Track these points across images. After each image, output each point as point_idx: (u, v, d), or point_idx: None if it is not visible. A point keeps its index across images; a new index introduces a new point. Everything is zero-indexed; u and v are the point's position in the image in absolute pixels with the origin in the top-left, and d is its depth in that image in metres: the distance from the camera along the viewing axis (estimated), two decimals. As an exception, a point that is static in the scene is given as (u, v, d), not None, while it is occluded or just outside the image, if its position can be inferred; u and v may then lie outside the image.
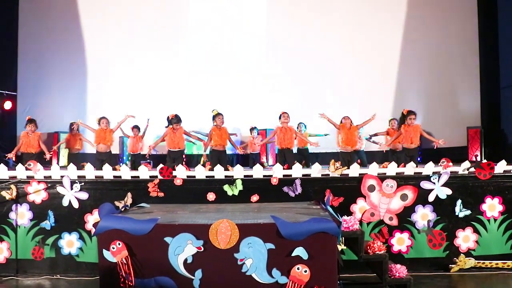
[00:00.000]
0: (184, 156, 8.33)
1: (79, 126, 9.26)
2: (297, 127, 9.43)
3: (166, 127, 8.17)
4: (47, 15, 11.64)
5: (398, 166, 5.93)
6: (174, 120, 7.83)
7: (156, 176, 5.70)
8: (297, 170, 5.78)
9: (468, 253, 5.50)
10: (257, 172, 5.80)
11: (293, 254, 3.83)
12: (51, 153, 8.39)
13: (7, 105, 11.29)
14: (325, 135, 9.91)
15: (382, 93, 10.89)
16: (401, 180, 5.57)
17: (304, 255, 3.82)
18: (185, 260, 3.88)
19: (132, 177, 5.86)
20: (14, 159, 8.14)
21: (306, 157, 9.34)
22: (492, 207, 5.55)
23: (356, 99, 10.53)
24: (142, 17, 11.29)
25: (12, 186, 5.67)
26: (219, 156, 7.79)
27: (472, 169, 5.67)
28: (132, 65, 11.22)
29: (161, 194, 5.60)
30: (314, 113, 10.04)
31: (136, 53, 11.20)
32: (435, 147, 7.43)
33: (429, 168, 5.73)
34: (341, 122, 8.32)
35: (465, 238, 5.53)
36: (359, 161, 8.99)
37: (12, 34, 11.69)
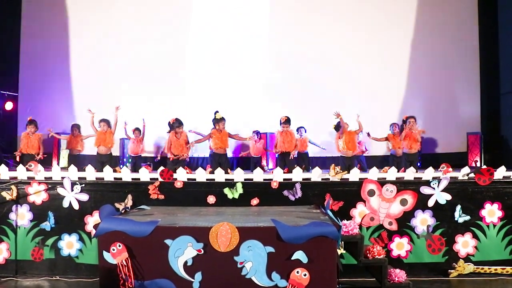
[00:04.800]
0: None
1: (80, 127, 9.29)
2: (297, 131, 9.45)
3: (168, 132, 8.16)
4: (50, 17, 11.67)
5: (398, 171, 5.94)
6: (176, 124, 7.83)
7: (157, 179, 5.71)
8: (297, 174, 5.79)
9: (467, 259, 5.50)
10: (258, 175, 5.80)
11: (292, 258, 3.84)
12: (45, 155, 8.46)
13: (8, 105, 11.31)
14: (323, 149, 9.97)
15: (383, 99, 10.90)
16: (401, 185, 5.58)
17: (304, 259, 3.83)
18: (185, 262, 3.89)
19: (132, 179, 5.86)
20: (18, 159, 8.20)
21: (306, 161, 9.35)
22: (492, 212, 5.56)
23: (358, 104, 10.52)
24: (144, 20, 11.31)
25: (13, 187, 5.67)
26: (219, 159, 7.80)
27: (472, 175, 5.68)
28: (134, 68, 11.24)
29: (162, 197, 5.60)
30: (316, 117, 10.11)
31: (138, 55, 11.22)
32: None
33: (429, 173, 5.75)
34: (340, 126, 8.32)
35: (464, 244, 5.54)
36: (359, 165, 9.02)
37: (15, 36, 11.72)
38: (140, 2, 11.45)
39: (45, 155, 8.42)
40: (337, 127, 8.36)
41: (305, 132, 9.66)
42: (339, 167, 5.90)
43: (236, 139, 8.50)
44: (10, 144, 10.84)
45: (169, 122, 8.10)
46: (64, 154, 10.42)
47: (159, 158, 7.71)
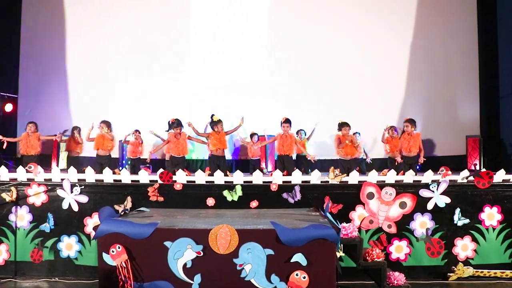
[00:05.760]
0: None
1: (80, 130, 9.31)
2: (297, 134, 9.46)
3: (167, 131, 8.19)
4: (49, 19, 11.71)
5: (397, 174, 5.95)
6: (174, 125, 7.86)
7: (156, 181, 5.71)
8: (297, 177, 5.78)
9: (466, 262, 5.50)
10: (257, 178, 5.80)
11: (292, 260, 3.84)
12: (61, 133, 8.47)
13: (8, 107, 11.33)
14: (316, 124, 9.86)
15: (382, 102, 10.92)
16: (400, 188, 5.58)
17: (303, 261, 3.84)
18: (185, 264, 3.90)
19: (132, 181, 5.86)
20: (5, 146, 8.24)
21: (305, 164, 9.35)
22: (491, 216, 5.56)
23: (357, 108, 10.56)
24: (142, 23, 11.34)
25: (13, 188, 5.67)
26: (218, 162, 7.84)
27: (471, 178, 5.68)
28: (133, 70, 11.27)
29: (161, 199, 5.61)
30: (315, 120, 10.10)
31: (136, 58, 11.25)
32: (418, 162, 7.78)
33: (428, 176, 5.75)
34: (340, 130, 8.27)
35: (463, 247, 5.54)
36: (358, 168, 9.02)
37: (15, 38, 11.77)
38: (139, 5, 11.47)
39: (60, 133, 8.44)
40: (341, 126, 8.21)
41: (305, 134, 9.66)
42: (338, 170, 5.91)
43: (232, 132, 8.48)
44: (10, 146, 10.84)
45: (169, 122, 8.15)
46: (64, 156, 10.42)
47: (148, 160, 7.82)
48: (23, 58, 11.76)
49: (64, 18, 11.71)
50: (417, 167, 8.11)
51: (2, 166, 6.06)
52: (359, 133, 9.74)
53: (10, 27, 11.74)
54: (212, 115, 8.08)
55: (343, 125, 8.12)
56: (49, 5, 11.76)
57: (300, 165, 9.13)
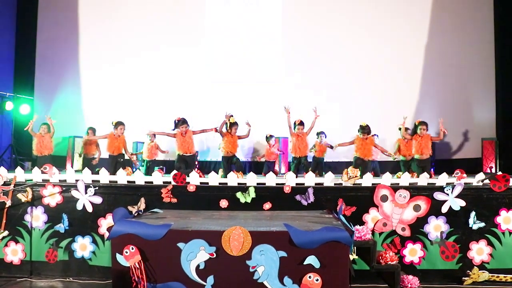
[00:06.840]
0: (197, 161, 8.41)
1: (95, 131, 9.40)
2: (318, 137, 9.46)
3: (173, 129, 8.26)
4: (65, 21, 11.88)
5: (411, 177, 5.90)
6: (180, 123, 7.95)
7: (170, 182, 5.74)
8: (310, 179, 5.77)
9: (481, 266, 5.42)
10: (270, 180, 5.81)
11: (305, 263, 3.83)
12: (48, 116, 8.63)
13: (24, 109, 11.48)
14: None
15: (397, 104, 10.83)
16: (414, 190, 5.53)
17: (316, 264, 3.82)
18: (198, 266, 3.90)
19: (145, 182, 5.90)
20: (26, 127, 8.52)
21: (320, 167, 9.33)
22: (507, 220, 5.48)
23: (371, 109, 10.50)
24: (155, 24, 11.45)
25: (28, 189, 5.75)
26: (229, 161, 7.95)
27: (487, 181, 5.61)
28: (150, 72, 11.37)
29: (174, 200, 5.63)
30: (329, 121, 10.06)
31: (149, 59, 11.36)
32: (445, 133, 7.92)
33: (442, 179, 5.69)
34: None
35: (478, 251, 5.46)
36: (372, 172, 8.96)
37: (31, 40, 11.96)
38: (152, 7, 11.56)
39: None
40: (366, 130, 8.21)
41: (325, 137, 9.58)
42: (352, 167, 5.87)
43: (244, 137, 8.51)
44: (26, 147, 11.00)
45: (175, 121, 8.22)
46: (77, 157, 10.54)
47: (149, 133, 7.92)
48: (39, 60, 11.93)
49: (77, 21, 11.87)
50: (432, 170, 8.05)
51: (18, 167, 6.15)
52: (377, 135, 9.66)
53: (26, 30, 11.93)
54: (231, 115, 8.13)
55: (364, 129, 8.19)
56: (64, 9, 11.93)
57: (315, 167, 9.10)
